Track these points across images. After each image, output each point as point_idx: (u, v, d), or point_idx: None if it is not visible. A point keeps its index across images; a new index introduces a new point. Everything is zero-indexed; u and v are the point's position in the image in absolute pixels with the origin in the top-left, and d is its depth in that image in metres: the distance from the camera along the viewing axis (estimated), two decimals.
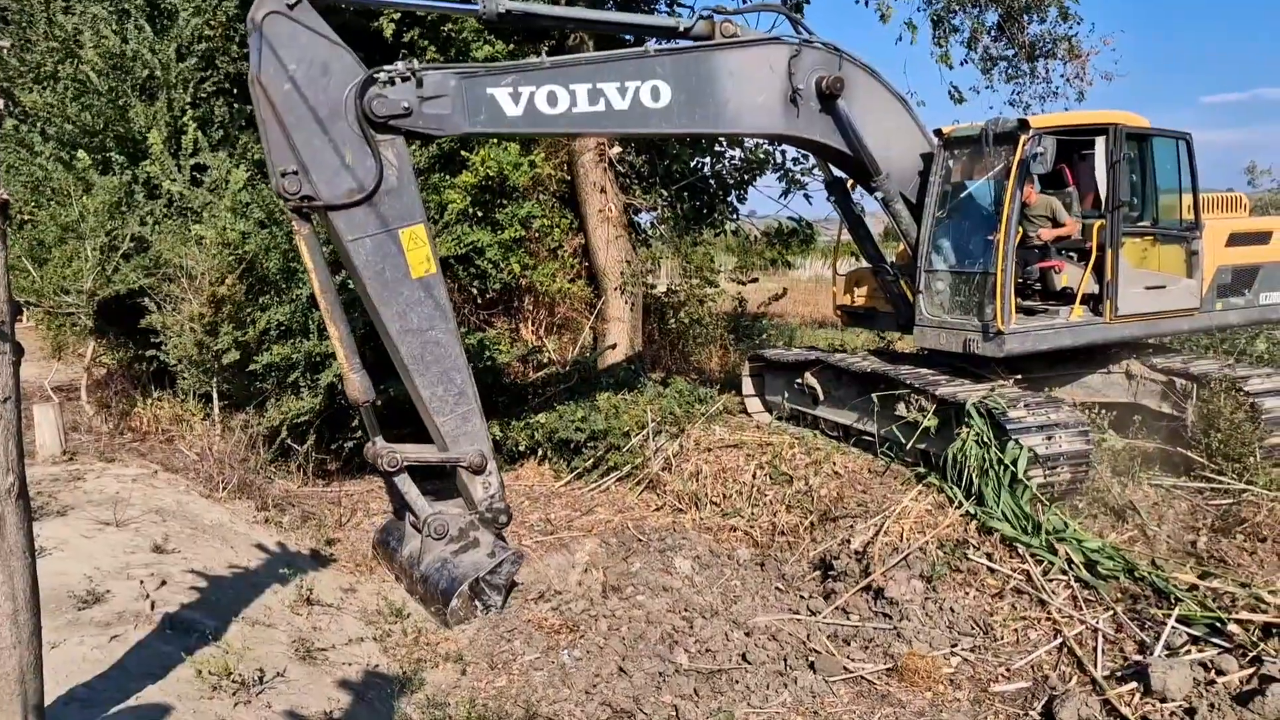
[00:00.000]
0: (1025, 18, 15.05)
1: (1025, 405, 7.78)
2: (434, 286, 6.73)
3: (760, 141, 14.70)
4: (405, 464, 7.00)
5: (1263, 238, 9.56)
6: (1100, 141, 8.62)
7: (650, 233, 14.94)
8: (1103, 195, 8.65)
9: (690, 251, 14.39)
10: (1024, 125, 8.06)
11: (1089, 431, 7.76)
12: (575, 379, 11.68)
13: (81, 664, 4.69)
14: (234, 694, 4.77)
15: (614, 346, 12.65)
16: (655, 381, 11.57)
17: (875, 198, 9.09)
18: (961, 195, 8.85)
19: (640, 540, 8.32)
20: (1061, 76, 16.53)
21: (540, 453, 10.83)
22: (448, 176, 11.32)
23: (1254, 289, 9.50)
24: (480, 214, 11.55)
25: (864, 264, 10.39)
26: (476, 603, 6.73)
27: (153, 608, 5.46)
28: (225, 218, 9.30)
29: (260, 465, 9.24)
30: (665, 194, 13.62)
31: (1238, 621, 5.70)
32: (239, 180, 9.47)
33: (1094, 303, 8.51)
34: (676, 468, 9.56)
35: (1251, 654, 5.44)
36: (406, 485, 7.03)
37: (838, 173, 9.70)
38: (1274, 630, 5.59)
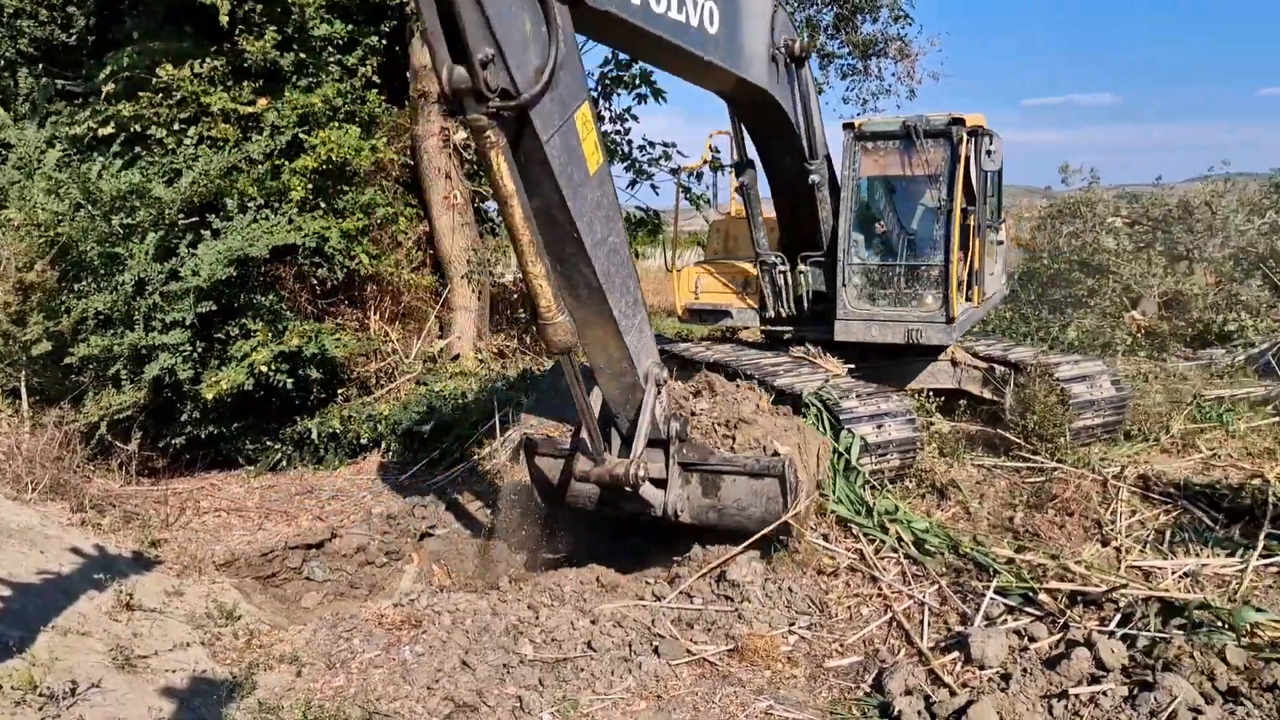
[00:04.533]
0: (859, 17, 15.63)
1: (857, 395, 8.10)
2: (606, 179, 5.75)
3: (609, 130, 14.76)
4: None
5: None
6: (973, 140, 8.89)
7: (496, 221, 14.77)
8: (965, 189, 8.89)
9: None
10: (959, 122, 8.40)
11: (915, 419, 8.14)
12: (420, 369, 11.45)
13: None
14: (40, 709, 4.45)
15: (460, 336, 12.46)
16: (503, 371, 11.47)
17: (810, 182, 8.84)
18: (891, 189, 9.03)
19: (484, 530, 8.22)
20: (893, 75, 17.28)
21: (384, 445, 10.57)
22: (286, 162, 10.87)
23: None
24: (322, 202, 11.16)
25: (706, 258, 10.45)
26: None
27: None
28: (37, 197, 8.64)
29: (77, 464, 8.65)
30: None
31: (1048, 591, 6.09)
32: (53, 158, 8.83)
33: (965, 289, 8.91)
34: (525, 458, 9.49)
35: (1060, 621, 5.83)
36: (651, 492, 6.50)
37: (753, 155, 9.21)
38: (1079, 598, 6.01)
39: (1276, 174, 18.82)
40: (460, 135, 12.38)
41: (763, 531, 6.67)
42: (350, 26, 11.38)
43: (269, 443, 10.43)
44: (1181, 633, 5.34)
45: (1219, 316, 14.25)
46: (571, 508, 7.43)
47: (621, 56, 14.08)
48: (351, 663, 5.88)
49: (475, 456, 9.77)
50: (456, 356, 12.12)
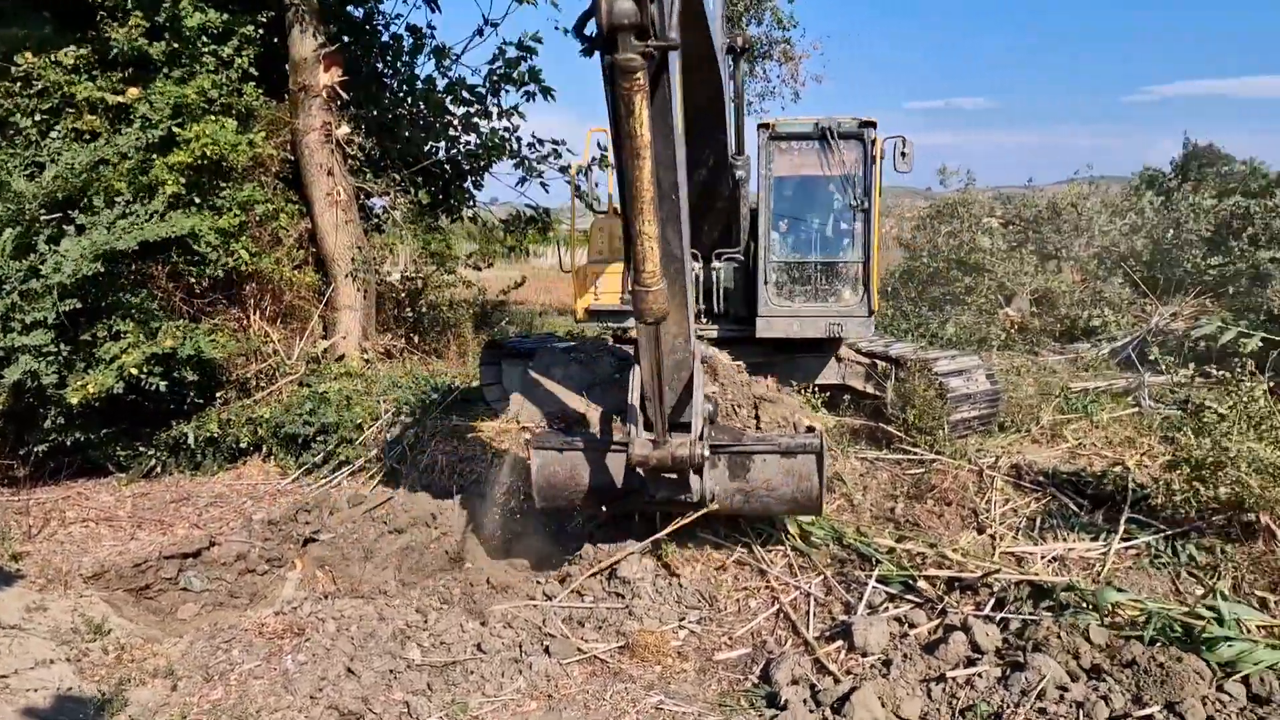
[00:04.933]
0: (744, 20, 15.87)
1: None
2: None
3: (498, 127, 14.64)
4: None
5: None
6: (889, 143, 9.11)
7: (383, 218, 14.48)
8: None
9: (427, 238, 14.08)
10: (870, 125, 8.69)
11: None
12: (303, 370, 11.13)
13: None
14: None
15: (345, 336, 12.16)
16: (390, 371, 11.24)
17: (736, 178, 8.88)
18: (806, 187, 9.13)
19: (372, 534, 8.05)
20: (778, 77, 17.62)
21: (265, 449, 10.25)
22: (158, 156, 10.40)
23: None
24: (197, 198, 10.72)
25: (591, 259, 10.23)
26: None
27: None
28: None
29: None
30: (398, 178, 13.21)
31: (927, 578, 6.31)
32: None
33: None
34: (413, 460, 9.34)
35: (939, 607, 6.04)
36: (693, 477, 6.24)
37: None
38: (957, 584, 6.24)
39: (1136, 177, 19.88)
40: (343, 130, 12.04)
41: (793, 513, 6.67)
42: (225, 16, 10.99)
43: (142, 449, 9.96)
44: (1050, 614, 5.60)
45: (1085, 312, 15.01)
46: (571, 509, 7.09)
47: (510, 53, 13.97)
48: (230, 674, 5.68)
49: (361, 459, 9.55)
50: (341, 357, 11.82)
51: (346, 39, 13.55)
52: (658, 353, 5.51)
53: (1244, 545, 6.24)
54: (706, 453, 6.02)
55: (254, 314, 11.73)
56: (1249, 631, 5.23)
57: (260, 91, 11.49)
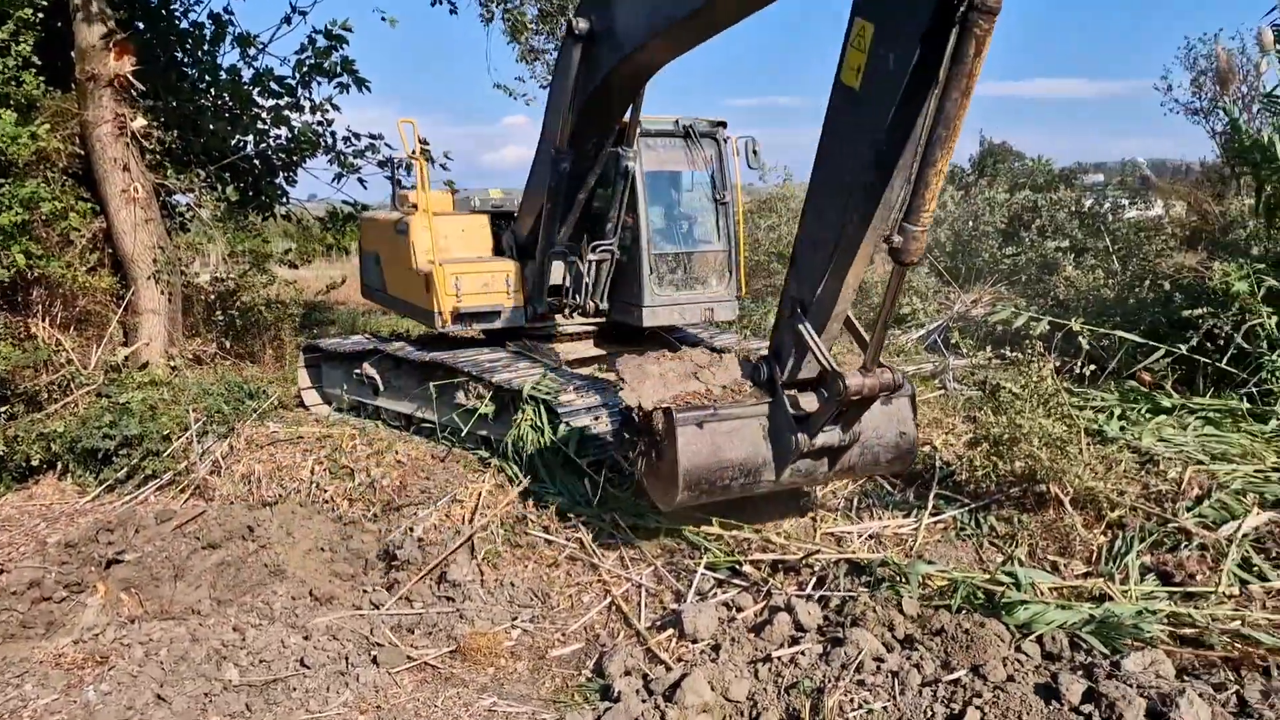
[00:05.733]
0: (568, 13, 15.82)
1: (575, 389, 8.22)
2: None
3: (310, 120, 14.05)
4: None
5: None
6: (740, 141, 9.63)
7: (188, 217, 13.65)
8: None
9: (238, 236, 13.37)
10: (721, 124, 9.31)
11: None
12: (102, 380, 10.38)
13: None
14: None
15: (149, 343, 11.40)
16: (199, 378, 10.63)
17: (627, 170, 8.92)
18: (674, 182, 9.63)
19: (184, 551, 7.59)
20: None
21: (60, 466, 9.52)
22: None
23: None
24: None
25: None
26: None
27: None
28: None
29: None
30: (204, 174, 12.47)
31: (752, 562, 6.48)
32: None
33: None
34: (227, 470, 8.89)
35: (765, 589, 6.22)
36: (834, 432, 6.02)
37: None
38: (780, 566, 6.45)
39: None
40: (139, 122, 11.24)
41: (893, 465, 6.57)
42: (46, 2, 10.14)
43: None
44: (866, 590, 5.86)
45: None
46: (716, 493, 6.11)
47: (320, 42, 13.43)
48: (23, 711, 5.25)
49: (170, 472, 9.00)
50: (145, 365, 11.05)
51: (140, 25, 12.69)
52: (896, 291, 5.40)
53: (1037, 514, 6.70)
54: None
55: (43, 321, 10.83)
56: (1042, 594, 5.63)
57: (42, 81, 10.61)
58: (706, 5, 6.02)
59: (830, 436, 6.01)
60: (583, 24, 7.56)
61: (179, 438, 9.13)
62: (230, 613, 6.65)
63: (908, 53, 4.67)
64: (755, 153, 9.48)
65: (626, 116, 8.67)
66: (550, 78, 11.22)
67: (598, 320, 9.87)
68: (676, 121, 9.40)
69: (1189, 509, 6.39)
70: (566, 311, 9.67)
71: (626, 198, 9.11)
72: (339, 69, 13.60)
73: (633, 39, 7.10)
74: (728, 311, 9.76)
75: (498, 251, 9.81)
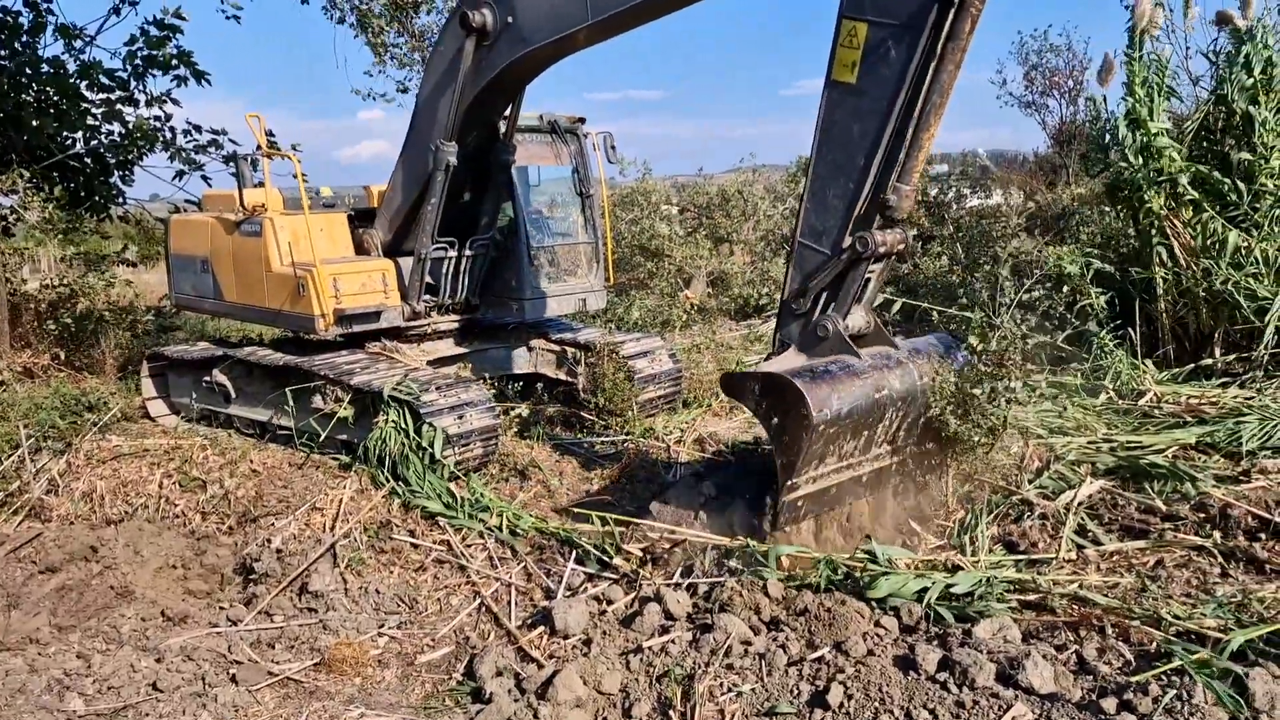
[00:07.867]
0: (415, 10, 15.59)
1: (437, 388, 8.06)
2: None
3: (146, 115, 13.32)
4: None
5: None
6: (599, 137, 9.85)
7: (11, 220, 12.73)
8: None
9: (71, 238, 12.58)
10: (580, 120, 9.66)
11: (495, 407, 8.30)
12: None
13: None
14: None
15: None
16: (32, 392, 9.95)
17: (506, 163, 9.20)
18: (546, 176, 9.88)
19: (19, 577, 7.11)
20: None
21: None
22: None
23: None
24: None
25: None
26: None
27: None
28: None
29: None
30: (27, 174, 11.64)
31: (622, 554, 6.51)
32: None
33: None
34: (65, 488, 8.36)
35: (635, 581, 6.25)
36: None
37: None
38: (649, 556, 6.49)
39: (794, 165, 21.67)
40: None
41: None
42: None
43: None
44: (732, 576, 5.96)
45: (754, 291, 16.18)
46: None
47: (153, 33, 12.70)
48: None
49: (1, 493, 8.39)
50: None
51: None
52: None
53: None
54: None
55: None
56: (900, 569, 5.84)
57: None
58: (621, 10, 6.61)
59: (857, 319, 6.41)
60: (482, 16, 7.45)
61: (9, 457, 8.53)
62: (73, 639, 6.25)
63: (913, 42, 5.39)
64: (613, 148, 9.77)
65: (508, 111, 8.78)
66: (421, 70, 11.11)
67: (467, 316, 9.76)
68: (541, 117, 9.59)
69: (1030, 481, 6.77)
70: (440, 309, 9.49)
71: (503, 192, 9.25)
72: (175, 61, 12.92)
73: (538, 35, 7.26)
74: (599, 300, 10.14)
75: (359, 251, 9.48)
